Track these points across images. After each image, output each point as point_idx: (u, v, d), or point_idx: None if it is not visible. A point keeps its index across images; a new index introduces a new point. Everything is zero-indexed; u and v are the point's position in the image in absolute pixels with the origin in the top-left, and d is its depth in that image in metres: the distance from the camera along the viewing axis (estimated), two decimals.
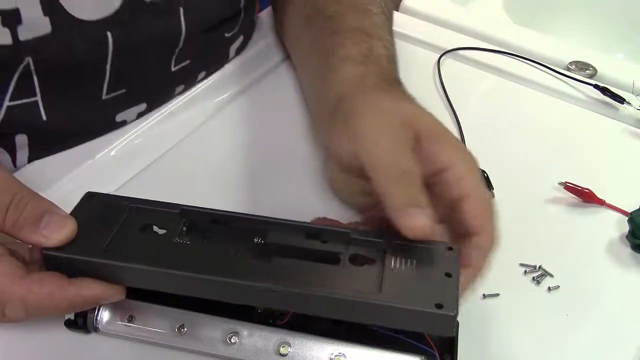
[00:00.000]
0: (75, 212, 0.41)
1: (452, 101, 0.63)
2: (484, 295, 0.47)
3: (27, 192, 0.39)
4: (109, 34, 0.50)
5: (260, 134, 0.59)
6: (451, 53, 0.70)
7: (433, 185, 0.43)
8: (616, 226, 0.53)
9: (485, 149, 0.58)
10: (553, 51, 0.71)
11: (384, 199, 0.40)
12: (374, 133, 0.43)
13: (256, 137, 0.59)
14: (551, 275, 0.49)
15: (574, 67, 0.69)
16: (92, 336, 0.43)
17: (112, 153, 0.55)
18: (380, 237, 0.40)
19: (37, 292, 0.38)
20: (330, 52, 0.53)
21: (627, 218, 0.51)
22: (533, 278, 0.49)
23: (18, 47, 0.46)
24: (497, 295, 0.47)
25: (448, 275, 0.38)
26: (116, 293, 0.40)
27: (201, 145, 0.58)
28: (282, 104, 0.62)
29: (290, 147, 0.58)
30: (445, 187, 0.42)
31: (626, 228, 0.51)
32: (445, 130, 0.45)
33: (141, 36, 0.52)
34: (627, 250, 0.51)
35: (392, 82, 0.51)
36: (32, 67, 0.48)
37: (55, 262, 0.39)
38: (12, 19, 0.45)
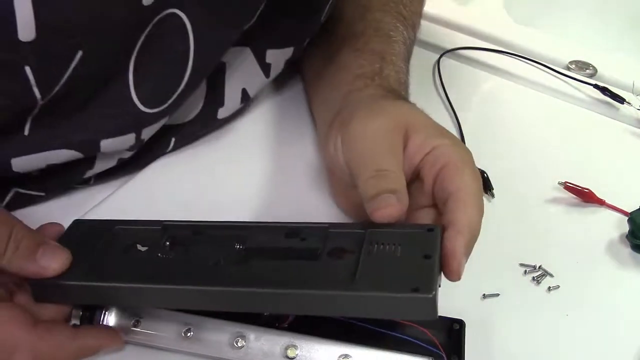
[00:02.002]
0: (63, 240, 0.42)
1: (452, 101, 0.63)
2: (484, 295, 0.47)
3: (22, 225, 0.40)
4: (173, 139, 0.54)
5: (262, 135, 0.59)
6: (451, 53, 0.70)
7: (421, 169, 0.43)
8: (616, 226, 0.53)
9: (485, 148, 0.58)
10: (553, 50, 0.71)
11: (362, 197, 0.41)
12: (361, 138, 0.44)
13: (259, 139, 0.59)
14: (551, 275, 0.49)
15: (574, 66, 0.69)
16: None
17: None
18: (359, 227, 0.40)
19: (48, 341, 0.38)
20: (346, 68, 0.54)
21: (627, 218, 0.51)
22: (533, 278, 0.49)
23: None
24: (497, 295, 0.47)
25: (427, 257, 0.36)
26: (119, 343, 0.41)
27: (199, 151, 0.57)
28: (286, 103, 0.62)
29: (294, 153, 0.57)
30: (429, 164, 0.43)
31: (626, 228, 0.51)
32: (433, 123, 0.46)
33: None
34: (627, 250, 0.51)
35: (392, 92, 0.51)
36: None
37: (43, 289, 0.40)
38: (91, 149, 0.47)
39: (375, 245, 0.38)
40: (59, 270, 0.39)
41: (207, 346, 0.41)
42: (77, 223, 0.44)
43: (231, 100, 0.55)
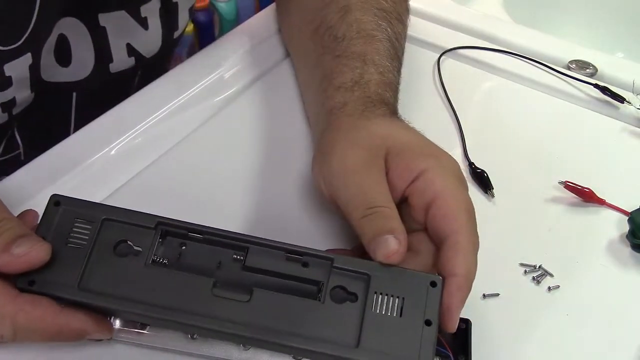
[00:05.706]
0: (43, 226, 0.39)
1: (452, 101, 0.63)
2: (484, 295, 0.47)
3: (10, 217, 0.39)
4: (74, 94, 0.60)
5: (261, 136, 0.59)
6: (451, 52, 0.70)
7: (410, 196, 0.43)
8: (616, 226, 0.53)
9: (485, 148, 0.59)
10: (553, 50, 0.71)
11: (359, 237, 0.41)
12: (344, 174, 0.43)
13: (258, 140, 0.58)
14: (551, 275, 0.49)
15: (574, 66, 0.69)
16: (104, 343, 0.42)
17: (112, 152, 0.55)
18: (364, 267, 0.40)
19: (29, 312, 0.37)
20: (328, 77, 0.53)
21: (627, 218, 0.51)
22: (533, 278, 0.49)
23: (10, 120, 0.56)
24: (497, 295, 0.47)
25: (428, 322, 0.37)
26: (106, 331, 0.40)
27: (200, 148, 0.57)
28: (285, 104, 0.62)
29: (295, 152, 0.57)
30: (418, 194, 0.42)
31: (626, 228, 0.51)
32: (418, 141, 0.45)
33: (102, 95, 0.60)
34: (627, 250, 0.51)
35: (374, 105, 0.50)
36: (17, 132, 0.59)
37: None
38: (9, 104, 0.54)
39: (380, 297, 0.38)
40: (33, 265, 0.37)
41: (214, 348, 0.41)
42: (56, 201, 0.40)
43: (119, 55, 0.60)
